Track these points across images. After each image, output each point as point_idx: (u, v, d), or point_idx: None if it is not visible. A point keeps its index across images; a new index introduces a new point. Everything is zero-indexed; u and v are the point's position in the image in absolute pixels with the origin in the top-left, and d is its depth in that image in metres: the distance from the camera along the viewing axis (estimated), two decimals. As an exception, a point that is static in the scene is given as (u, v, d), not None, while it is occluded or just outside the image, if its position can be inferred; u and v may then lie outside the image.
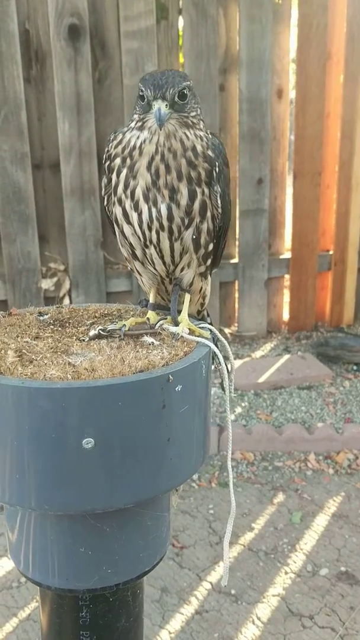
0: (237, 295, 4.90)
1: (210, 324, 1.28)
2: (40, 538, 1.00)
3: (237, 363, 4.39)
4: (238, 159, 4.60)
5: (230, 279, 4.82)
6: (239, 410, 3.87)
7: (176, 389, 0.92)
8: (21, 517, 1.02)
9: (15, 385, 0.85)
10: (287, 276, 5.03)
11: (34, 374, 0.90)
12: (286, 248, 5.07)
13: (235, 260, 4.81)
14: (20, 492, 0.90)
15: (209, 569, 2.78)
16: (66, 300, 4.44)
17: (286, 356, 4.48)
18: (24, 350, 0.99)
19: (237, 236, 4.79)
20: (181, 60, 4.39)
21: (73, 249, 4.34)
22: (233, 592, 2.66)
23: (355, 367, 4.40)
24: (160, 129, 1.14)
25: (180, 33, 4.34)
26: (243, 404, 3.94)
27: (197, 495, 3.24)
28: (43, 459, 0.88)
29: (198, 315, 1.38)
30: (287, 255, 4.97)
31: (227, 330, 4.92)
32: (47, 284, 4.39)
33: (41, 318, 1.20)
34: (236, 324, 4.97)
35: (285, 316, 5.13)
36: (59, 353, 1.00)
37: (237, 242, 4.80)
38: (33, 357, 0.97)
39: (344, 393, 4.07)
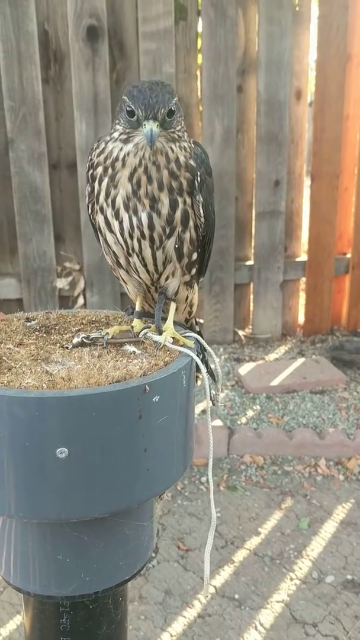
0: (252, 297, 4.88)
1: (199, 332, 1.27)
2: (22, 544, 1.01)
3: (250, 365, 4.37)
4: (255, 160, 4.58)
5: (246, 280, 4.80)
6: (250, 413, 3.86)
7: (153, 399, 0.91)
8: (2, 522, 1.03)
9: (-9, 394, 0.86)
10: (303, 279, 4.99)
11: (10, 382, 0.90)
12: (302, 250, 5.04)
13: (251, 262, 4.79)
14: (-1, 499, 0.91)
15: (213, 572, 2.77)
16: (80, 300, 4.46)
17: (300, 360, 4.45)
18: (4, 358, 1.00)
19: (253, 238, 4.77)
20: (199, 61, 4.37)
21: (88, 248, 4.36)
22: (237, 596, 2.65)
23: (369, 372, 4.36)
24: (152, 149, 1.14)
25: (199, 34, 4.32)
26: (255, 407, 3.92)
27: (204, 498, 3.24)
28: (18, 467, 0.88)
29: (186, 324, 1.37)
30: (303, 257, 4.94)
31: (241, 333, 4.90)
32: (62, 283, 4.41)
33: (28, 324, 1.21)
34: (251, 326, 4.95)
35: (301, 319, 5.09)
36: (39, 361, 1.00)
37: (252, 244, 4.78)
38: (12, 364, 0.97)
39: (357, 398, 4.02)
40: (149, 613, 2.56)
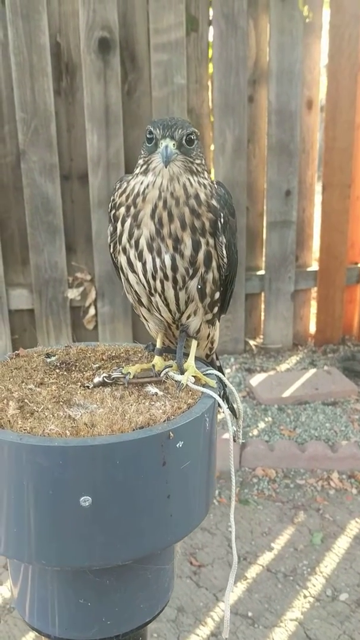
0: (263, 307, 4.86)
1: (219, 367, 1.26)
2: (40, 588, 1.00)
3: (262, 376, 4.36)
4: (266, 170, 4.57)
5: (257, 290, 4.79)
6: (262, 425, 3.84)
7: (177, 445, 0.91)
8: (18, 564, 1.02)
9: (14, 442, 0.85)
10: (314, 288, 4.97)
11: (33, 428, 0.90)
12: (314, 260, 5.02)
13: (262, 272, 4.77)
14: (19, 545, 0.90)
15: (226, 589, 2.75)
16: (92, 310, 4.47)
17: (311, 370, 4.43)
18: (26, 400, 0.99)
19: (264, 248, 4.75)
20: (210, 71, 4.37)
21: (99, 259, 4.36)
22: (250, 614, 2.63)
23: (382, 383, 4.33)
24: (166, 167, 1.13)
25: (210, 44, 4.32)
26: (266, 419, 3.90)
27: (217, 512, 3.22)
28: (41, 514, 0.88)
29: (207, 359, 1.36)
30: (314, 267, 4.92)
31: (252, 342, 4.89)
32: (73, 293, 4.42)
33: (48, 360, 1.20)
34: (262, 336, 4.93)
35: (312, 329, 5.07)
36: (61, 404, 1.00)
37: (264, 254, 4.77)
38: (34, 408, 0.96)
39: (370, 410, 4.00)
40: (161, 631, 2.54)
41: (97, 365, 1.19)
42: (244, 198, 4.51)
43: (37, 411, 0.95)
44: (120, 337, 4.50)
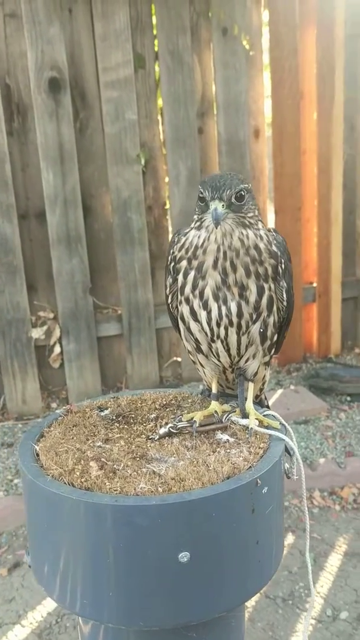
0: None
1: (267, 406, 1.28)
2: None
3: (232, 401, 4.40)
4: (220, 199, 4.67)
5: (219, 316, 4.85)
6: (239, 450, 3.86)
7: (263, 491, 0.92)
8: (87, 627, 1.00)
9: (110, 504, 0.84)
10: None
11: (123, 487, 0.89)
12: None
13: (223, 298, 4.84)
14: (98, 606, 0.88)
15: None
16: (57, 349, 4.40)
17: (279, 390, 4.51)
18: (102, 459, 0.98)
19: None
20: (160, 105, 4.46)
21: (62, 296, 4.32)
22: (256, 643, 2.62)
23: (349, 398, 4.45)
24: (217, 228, 1.18)
25: (158, 80, 4.41)
26: (243, 444, 3.93)
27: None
28: (134, 575, 0.86)
29: (256, 399, 1.39)
30: (272, 290, 5.03)
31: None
32: (37, 332, 4.35)
33: (102, 414, 1.19)
34: (227, 361, 4.98)
35: (274, 350, 5.16)
36: (138, 459, 0.99)
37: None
38: (114, 466, 0.96)
39: (341, 426, 4.10)
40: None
41: (153, 415, 1.19)
42: (201, 227, 4.58)
43: (119, 469, 0.95)
44: (87, 374, 4.46)
